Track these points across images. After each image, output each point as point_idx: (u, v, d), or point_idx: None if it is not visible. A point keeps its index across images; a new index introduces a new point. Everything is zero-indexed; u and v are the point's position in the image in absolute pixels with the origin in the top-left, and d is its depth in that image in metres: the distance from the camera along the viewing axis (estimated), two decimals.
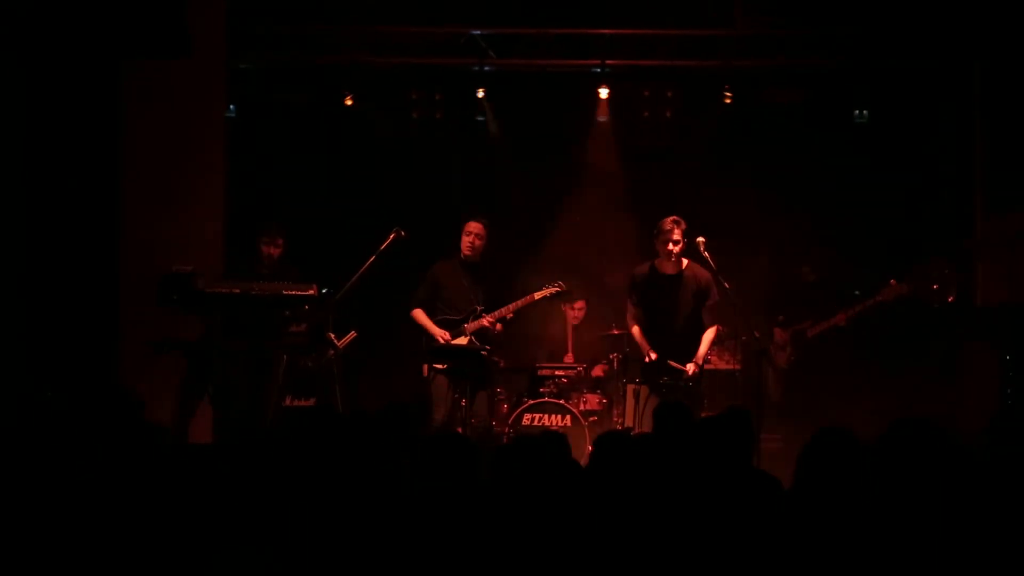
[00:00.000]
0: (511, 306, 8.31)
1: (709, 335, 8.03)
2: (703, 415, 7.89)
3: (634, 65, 10.34)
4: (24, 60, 7.59)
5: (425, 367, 8.39)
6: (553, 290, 8.36)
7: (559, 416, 8.97)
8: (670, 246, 7.91)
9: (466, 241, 8.33)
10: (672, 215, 8.02)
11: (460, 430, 7.79)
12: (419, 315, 8.44)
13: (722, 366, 9.71)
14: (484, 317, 8.23)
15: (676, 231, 7.91)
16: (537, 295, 8.33)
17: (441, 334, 8.27)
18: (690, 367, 7.86)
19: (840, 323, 8.89)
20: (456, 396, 8.15)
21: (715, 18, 10.04)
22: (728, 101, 10.29)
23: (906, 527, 3.15)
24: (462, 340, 8.28)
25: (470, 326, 8.26)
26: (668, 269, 8.04)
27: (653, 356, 7.93)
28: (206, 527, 3.41)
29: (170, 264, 7.57)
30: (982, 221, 9.95)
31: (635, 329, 8.18)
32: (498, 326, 8.30)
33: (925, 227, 10.06)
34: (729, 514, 3.54)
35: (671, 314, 8.01)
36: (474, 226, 8.35)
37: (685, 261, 8.07)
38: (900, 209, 10.18)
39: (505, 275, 8.56)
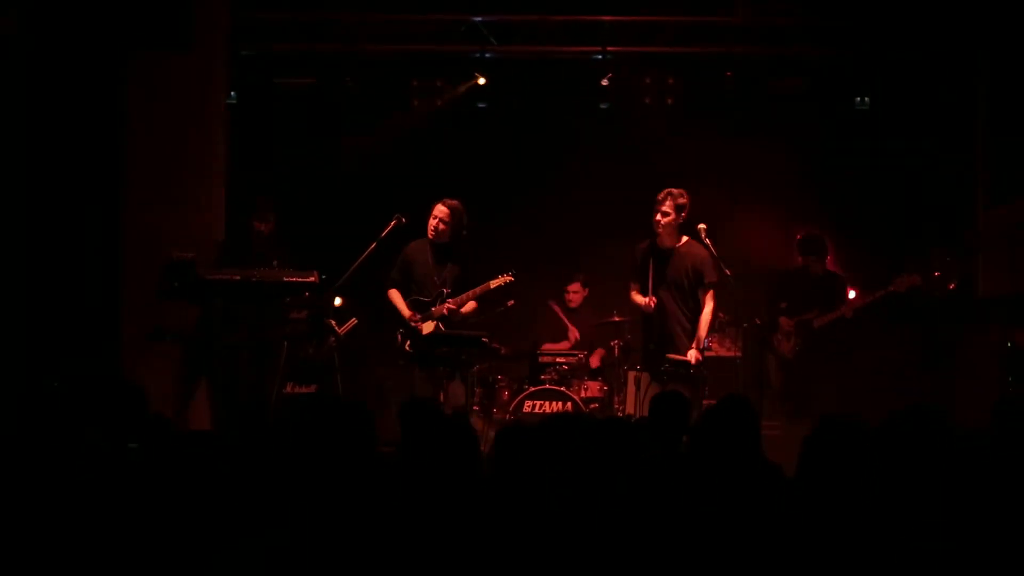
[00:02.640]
0: (469, 293, 8.22)
1: (706, 316, 7.90)
2: (705, 402, 7.90)
3: (636, 52, 10.32)
4: (28, 50, 7.58)
5: (401, 355, 8.29)
6: (506, 279, 8.26)
7: (560, 403, 8.97)
8: (656, 216, 7.88)
9: (431, 224, 8.21)
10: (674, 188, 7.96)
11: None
12: (394, 296, 8.30)
13: (723, 353, 9.70)
14: (447, 303, 8.15)
15: (665, 203, 7.85)
16: (492, 283, 8.25)
17: (410, 315, 8.20)
18: (691, 354, 7.78)
19: (847, 315, 8.88)
20: (433, 385, 8.07)
21: (717, 6, 10.02)
22: (730, 89, 10.28)
23: (909, 515, 3.15)
24: (429, 324, 8.19)
25: (436, 310, 8.19)
26: (665, 243, 7.98)
27: (651, 301, 7.85)
28: (209, 516, 3.41)
29: (171, 252, 7.57)
30: (984, 210, 9.94)
31: (633, 295, 8.11)
32: (447, 308, 8.16)
33: (926, 216, 10.05)
34: (733, 504, 3.54)
35: (665, 288, 7.95)
36: (439, 209, 8.19)
37: (684, 238, 8.00)
38: (902, 198, 10.18)
39: (500, 262, 8.49)
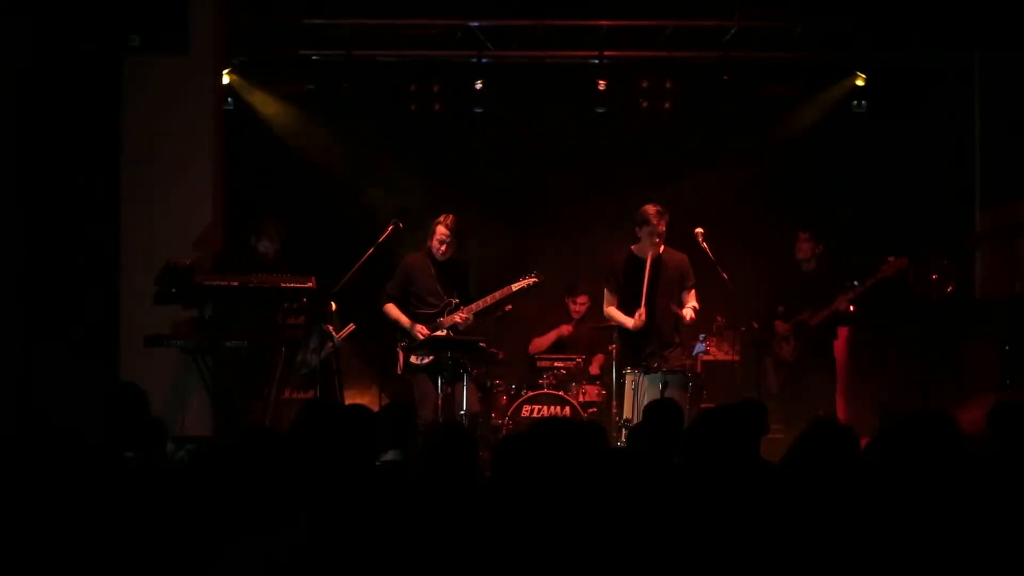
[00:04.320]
0: (488, 298, 8.23)
1: (691, 300, 7.99)
2: (703, 406, 7.90)
3: (632, 57, 10.33)
4: (24, 55, 7.58)
5: (400, 365, 8.28)
6: (530, 281, 8.29)
7: (558, 407, 8.96)
8: (657, 239, 7.93)
9: (434, 244, 8.20)
10: (654, 204, 8.01)
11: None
12: (392, 309, 8.28)
13: (721, 357, 9.70)
14: (460, 311, 8.16)
15: (662, 224, 7.92)
16: (515, 286, 8.27)
17: (420, 329, 8.15)
18: (687, 312, 7.86)
19: (842, 307, 8.87)
20: (440, 392, 8.08)
21: (714, 9, 10.03)
22: (726, 92, 10.28)
23: (907, 520, 3.15)
24: (439, 334, 8.18)
25: (445, 320, 8.19)
26: (645, 253, 8.04)
27: (641, 315, 7.88)
28: (207, 522, 3.41)
29: (169, 257, 7.57)
30: (981, 212, 9.94)
31: (611, 309, 8.14)
32: (461, 317, 8.19)
33: (924, 219, 10.05)
34: (738, 507, 3.53)
35: (648, 298, 7.98)
36: (440, 231, 8.18)
37: (662, 246, 8.08)
38: (900, 200, 10.17)
39: (500, 269, 8.50)
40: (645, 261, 7.97)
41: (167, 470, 3.81)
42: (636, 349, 8.04)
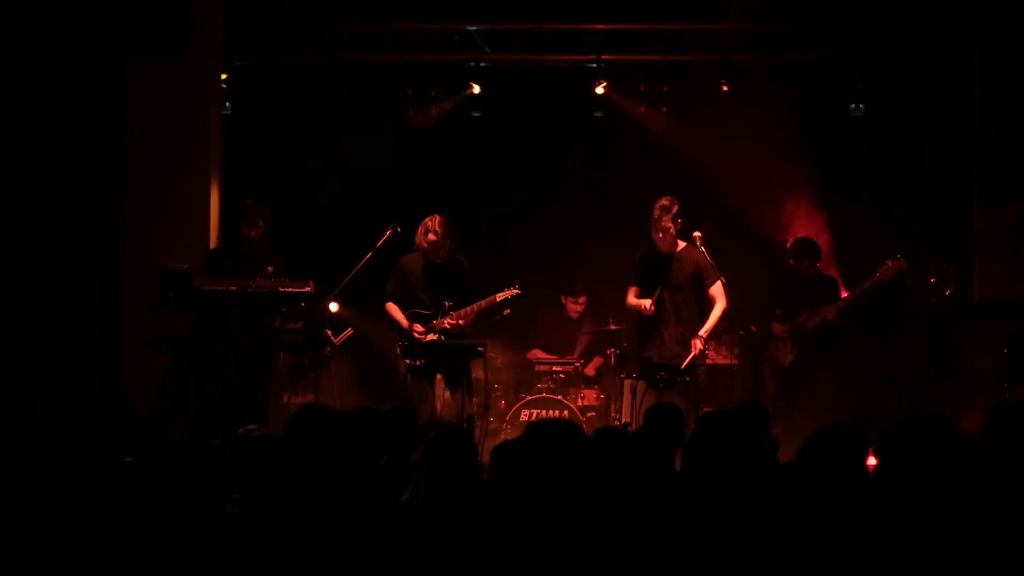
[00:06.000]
0: (475, 306, 8.26)
1: (717, 311, 7.99)
2: (705, 409, 7.91)
3: (630, 60, 10.33)
4: (23, 58, 7.57)
5: (402, 366, 8.30)
6: (512, 292, 8.33)
7: (557, 411, 8.97)
8: (659, 234, 7.97)
9: (426, 242, 8.20)
10: (664, 198, 8.02)
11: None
12: (392, 308, 8.34)
13: (720, 360, 9.69)
14: (449, 317, 8.17)
15: (664, 219, 7.94)
16: (498, 296, 8.30)
17: (409, 326, 8.20)
18: (696, 343, 7.85)
19: (829, 316, 8.89)
20: (437, 394, 8.09)
21: (711, 13, 10.03)
22: (724, 95, 10.28)
23: (910, 523, 3.15)
24: (432, 337, 8.20)
25: (439, 323, 8.20)
26: (664, 248, 8.07)
27: (649, 305, 7.93)
28: (205, 524, 3.41)
29: (169, 261, 7.56)
30: (980, 214, 9.93)
31: (631, 298, 8.18)
32: (460, 322, 8.22)
33: (923, 220, 10.04)
34: (743, 509, 3.54)
35: (664, 292, 8.02)
36: (431, 229, 8.24)
37: (682, 243, 8.09)
38: (898, 202, 10.17)
39: (498, 270, 8.50)
40: (662, 255, 8.03)
41: (163, 473, 3.80)
42: (645, 340, 8.08)
